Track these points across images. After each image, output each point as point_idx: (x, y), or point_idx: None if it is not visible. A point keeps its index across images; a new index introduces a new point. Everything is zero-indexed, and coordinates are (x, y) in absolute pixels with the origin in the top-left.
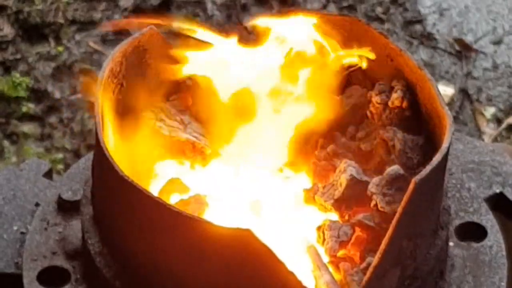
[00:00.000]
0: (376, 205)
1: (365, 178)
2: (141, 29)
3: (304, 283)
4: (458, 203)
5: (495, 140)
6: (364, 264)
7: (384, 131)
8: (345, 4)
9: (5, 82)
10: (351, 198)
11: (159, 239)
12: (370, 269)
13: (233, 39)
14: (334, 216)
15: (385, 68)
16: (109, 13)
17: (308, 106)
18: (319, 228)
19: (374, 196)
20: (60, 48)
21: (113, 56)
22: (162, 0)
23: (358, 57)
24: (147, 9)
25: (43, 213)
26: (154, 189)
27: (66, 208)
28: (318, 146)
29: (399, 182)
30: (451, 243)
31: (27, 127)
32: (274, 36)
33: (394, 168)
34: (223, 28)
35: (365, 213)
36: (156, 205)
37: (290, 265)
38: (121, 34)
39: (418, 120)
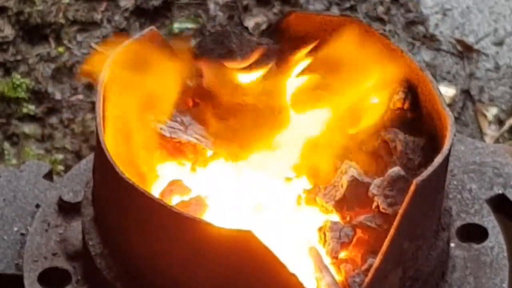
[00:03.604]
0: (377, 206)
1: (366, 179)
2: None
3: (306, 285)
4: (460, 204)
5: (496, 141)
6: (365, 266)
7: (386, 133)
8: (347, 5)
9: (5, 84)
10: (352, 199)
11: (160, 240)
12: (372, 270)
13: None
14: (335, 217)
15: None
16: (109, 13)
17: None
18: (320, 229)
19: (376, 198)
20: (61, 49)
21: (114, 57)
22: (163, 1)
23: None
24: (148, 10)
25: (44, 215)
26: (155, 190)
27: (67, 209)
28: None
29: (401, 183)
30: (452, 244)
31: (28, 128)
32: None
33: (395, 170)
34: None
35: (366, 215)
36: (157, 207)
37: (292, 267)
38: (122, 34)
39: (419, 121)
